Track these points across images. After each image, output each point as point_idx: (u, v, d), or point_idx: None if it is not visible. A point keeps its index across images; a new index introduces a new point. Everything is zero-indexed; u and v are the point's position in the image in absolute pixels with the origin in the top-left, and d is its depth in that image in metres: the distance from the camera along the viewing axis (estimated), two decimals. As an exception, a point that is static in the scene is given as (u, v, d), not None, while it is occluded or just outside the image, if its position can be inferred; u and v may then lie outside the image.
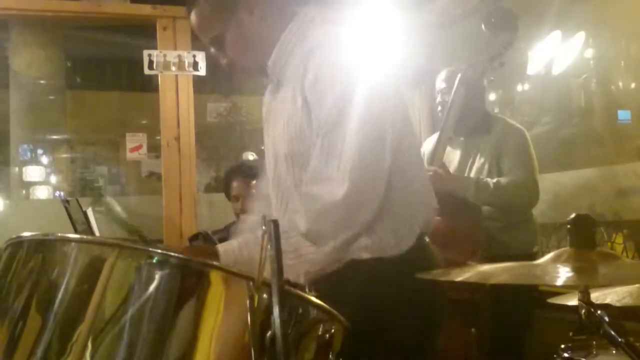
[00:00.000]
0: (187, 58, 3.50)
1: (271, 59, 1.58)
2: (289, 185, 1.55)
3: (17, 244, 1.09)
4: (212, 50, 1.62)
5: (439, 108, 2.89)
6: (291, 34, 1.56)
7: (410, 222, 1.52)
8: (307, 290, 1.33)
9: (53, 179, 6.50)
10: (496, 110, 2.85)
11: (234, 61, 1.61)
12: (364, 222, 1.43)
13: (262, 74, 1.63)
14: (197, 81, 3.62)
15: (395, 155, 1.47)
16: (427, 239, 1.58)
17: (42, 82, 6.28)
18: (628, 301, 1.38)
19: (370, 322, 1.38)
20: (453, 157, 2.88)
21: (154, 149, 4.12)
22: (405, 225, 1.51)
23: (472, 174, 2.79)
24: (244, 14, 1.55)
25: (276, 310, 0.88)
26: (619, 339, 1.11)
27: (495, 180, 2.66)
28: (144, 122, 6.39)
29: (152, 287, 0.97)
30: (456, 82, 2.74)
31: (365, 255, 1.46)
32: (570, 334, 1.29)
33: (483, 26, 2.70)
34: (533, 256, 2.70)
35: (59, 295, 1.00)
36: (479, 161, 2.79)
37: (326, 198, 1.40)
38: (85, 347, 0.95)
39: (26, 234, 1.09)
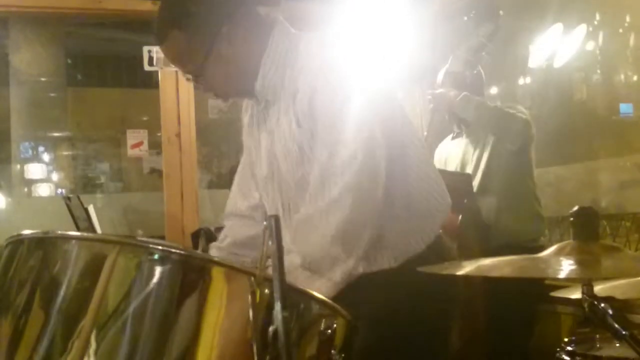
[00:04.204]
0: (188, 54, 3.49)
1: (258, 82, 1.52)
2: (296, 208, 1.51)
3: (17, 242, 1.09)
4: (192, 79, 1.56)
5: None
6: (272, 51, 1.51)
7: (424, 224, 1.51)
8: None
9: (54, 176, 6.52)
10: (498, 103, 2.86)
11: (218, 89, 1.57)
12: (363, 246, 1.38)
13: (249, 96, 1.59)
14: (198, 77, 3.61)
15: (399, 163, 1.45)
16: (440, 233, 1.57)
17: (42, 79, 6.29)
18: (632, 294, 1.37)
19: (381, 322, 1.38)
20: (457, 148, 2.89)
21: (155, 145, 4.11)
22: (420, 226, 1.50)
23: (474, 160, 2.80)
24: (222, 45, 1.49)
25: (278, 305, 0.88)
26: (623, 332, 1.11)
27: (498, 104, 2.73)
28: (144, 118, 6.39)
29: (153, 284, 0.96)
30: (440, 77, 2.77)
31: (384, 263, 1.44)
32: (574, 327, 1.28)
33: (465, 18, 2.72)
34: (540, 249, 2.69)
35: (61, 293, 0.99)
36: (480, 146, 2.81)
37: (325, 226, 1.34)
38: (87, 344, 0.95)
39: (26, 232, 1.09)
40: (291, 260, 1.35)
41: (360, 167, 1.35)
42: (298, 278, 1.32)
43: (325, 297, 1.10)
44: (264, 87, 1.52)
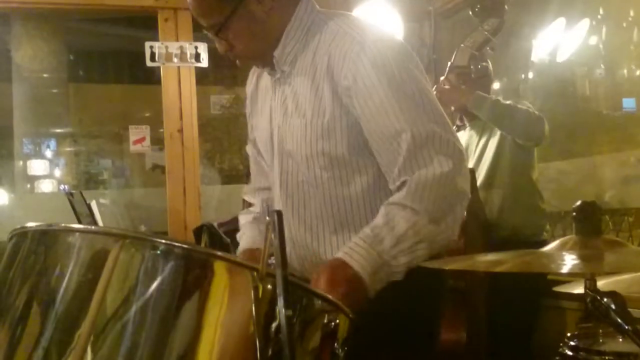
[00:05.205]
0: (189, 49, 3.50)
1: (278, 49, 1.53)
2: (302, 186, 1.52)
3: (22, 234, 1.09)
4: (211, 36, 1.54)
5: None
6: (296, 23, 1.52)
7: None
8: None
9: (57, 172, 6.53)
10: (500, 98, 2.85)
11: (238, 50, 1.54)
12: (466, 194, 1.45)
13: (266, 63, 1.58)
14: (200, 73, 3.61)
15: None
16: None
17: (44, 75, 6.30)
18: (635, 288, 1.37)
19: (374, 312, 1.38)
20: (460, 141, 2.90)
21: (158, 141, 4.12)
22: None
23: (477, 153, 2.80)
24: (253, 3, 1.48)
25: (281, 301, 0.88)
26: (626, 327, 1.11)
27: (511, 101, 2.69)
28: (147, 114, 6.39)
29: (156, 277, 0.96)
30: (446, 70, 2.78)
31: None
32: (577, 322, 1.28)
33: (470, 12, 2.72)
34: (542, 243, 2.69)
35: (64, 285, 1.00)
36: (484, 138, 2.80)
37: (437, 173, 1.39)
38: (89, 336, 0.95)
39: (30, 224, 1.09)
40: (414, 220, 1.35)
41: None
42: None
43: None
44: (283, 56, 1.53)
